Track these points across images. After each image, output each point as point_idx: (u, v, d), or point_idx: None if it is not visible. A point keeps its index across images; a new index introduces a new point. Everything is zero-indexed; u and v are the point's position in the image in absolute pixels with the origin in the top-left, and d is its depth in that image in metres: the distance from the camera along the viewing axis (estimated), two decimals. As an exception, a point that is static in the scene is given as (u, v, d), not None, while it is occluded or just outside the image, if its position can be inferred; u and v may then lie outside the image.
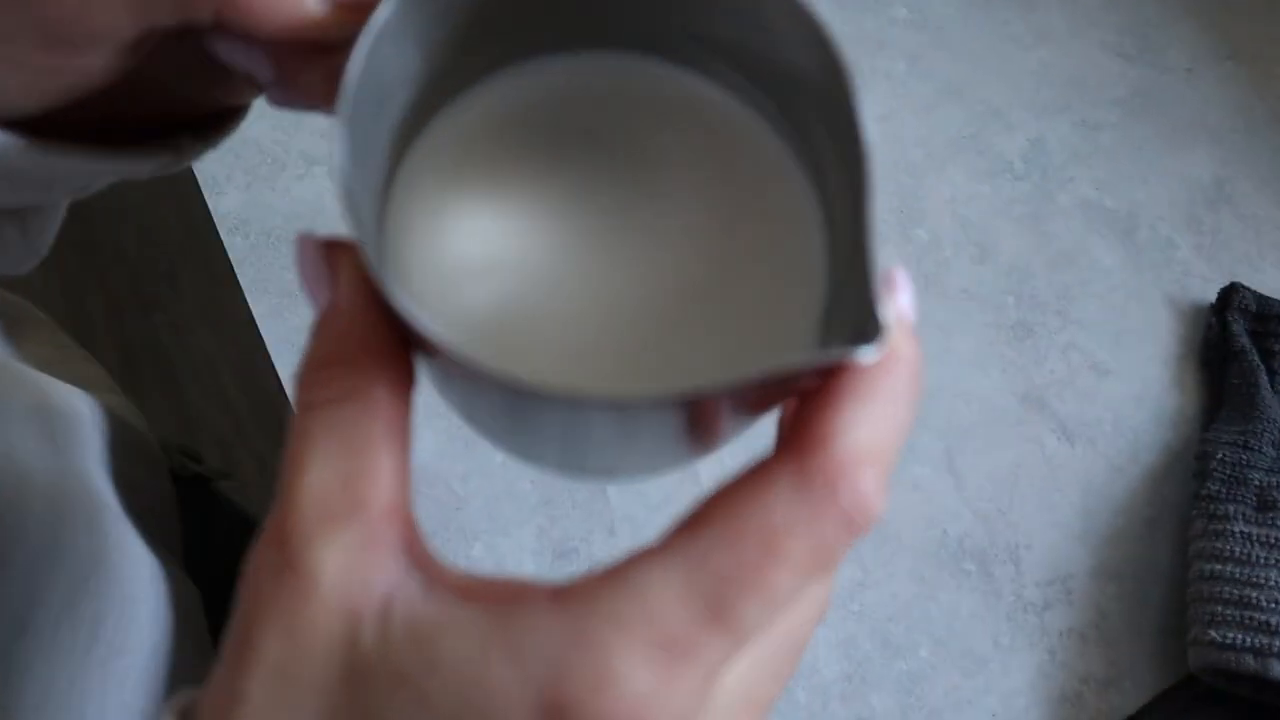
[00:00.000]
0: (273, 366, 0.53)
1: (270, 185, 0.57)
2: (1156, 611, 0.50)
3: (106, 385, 0.59)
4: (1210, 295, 0.56)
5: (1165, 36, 0.64)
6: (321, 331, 0.23)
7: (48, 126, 0.28)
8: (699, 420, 0.23)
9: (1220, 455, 0.51)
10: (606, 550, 0.50)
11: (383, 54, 0.23)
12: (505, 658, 0.19)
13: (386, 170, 0.27)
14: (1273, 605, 0.46)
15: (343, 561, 0.20)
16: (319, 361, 0.22)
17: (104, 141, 0.30)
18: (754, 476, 0.21)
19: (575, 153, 0.29)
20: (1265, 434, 0.51)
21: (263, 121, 0.59)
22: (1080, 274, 0.57)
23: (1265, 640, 0.45)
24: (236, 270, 0.55)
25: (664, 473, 0.29)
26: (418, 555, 0.21)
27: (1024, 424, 0.53)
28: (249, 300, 0.55)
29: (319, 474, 0.21)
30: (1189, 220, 0.59)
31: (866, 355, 0.20)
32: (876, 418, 0.21)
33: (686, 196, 0.28)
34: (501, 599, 0.20)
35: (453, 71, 0.27)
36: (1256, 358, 0.54)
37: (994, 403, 0.54)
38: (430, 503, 0.51)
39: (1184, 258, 0.58)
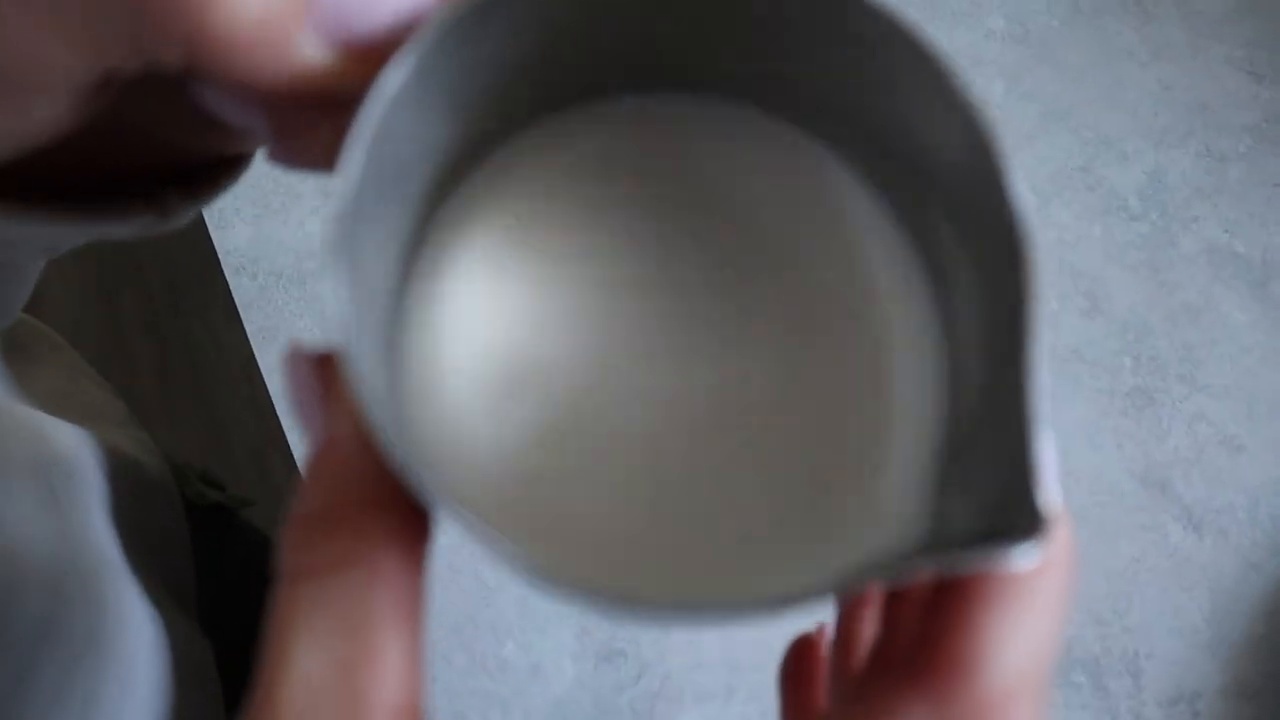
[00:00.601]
0: (281, 426, 0.48)
1: (283, 220, 0.51)
2: None
3: (118, 418, 0.57)
4: (1360, 358, 0.50)
5: (1303, 53, 0.57)
6: (314, 476, 0.19)
7: (7, 181, 0.24)
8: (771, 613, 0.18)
9: (1381, 556, 0.44)
10: (658, 652, 0.44)
11: (396, 127, 0.19)
12: None
13: (403, 259, 0.22)
14: None
15: None
16: (311, 516, 0.19)
17: (78, 196, 0.25)
18: (878, 685, 0.18)
19: (635, 229, 0.24)
20: None
21: (276, 146, 0.53)
22: (1208, 332, 0.51)
23: None
24: (242, 315, 0.49)
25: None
26: None
27: (1143, 510, 0.47)
28: (255, 350, 0.49)
29: (309, 662, 0.18)
30: None
31: (1023, 559, 0.16)
32: (1029, 632, 0.18)
33: (770, 290, 0.23)
34: None
35: (483, 130, 0.23)
36: None
37: (1108, 484, 0.48)
38: (456, 594, 0.45)
39: None
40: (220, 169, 0.29)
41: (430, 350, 0.23)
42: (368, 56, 0.20)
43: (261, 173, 0.53)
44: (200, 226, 0.51)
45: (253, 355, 0.51)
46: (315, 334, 0.50)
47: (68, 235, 0.26)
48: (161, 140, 0.27)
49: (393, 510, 0.19)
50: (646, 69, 0.23)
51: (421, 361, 0.23)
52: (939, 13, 0.56)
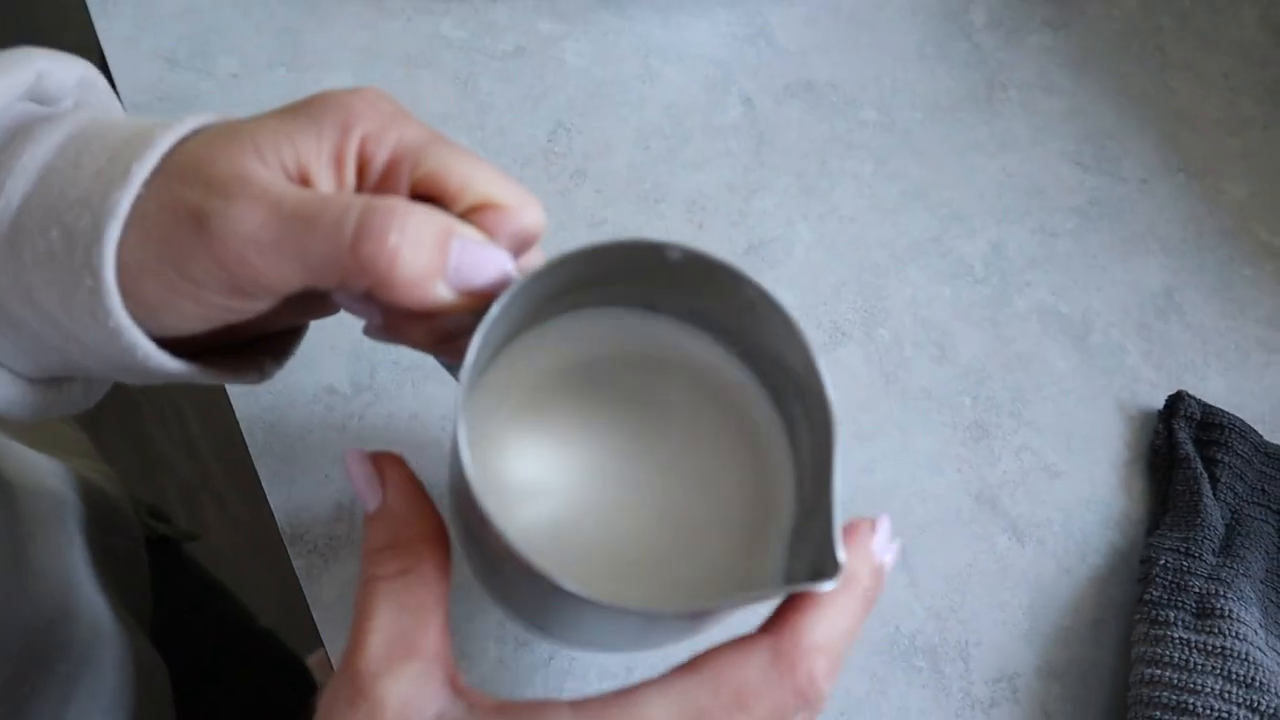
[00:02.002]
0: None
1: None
2: (1098, 712, 0.52)
3: (82, 449, 0.60)
4: (1158, 402, 0.59)
5: (1121, 148, 0.67)
6: (378, 524, 0.30)
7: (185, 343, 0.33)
8: (696, 621, 0.31)
9: (1162, 561, 0.53)
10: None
11: (486, 340, 0.31)
12: None
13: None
14: (1208, 711, 0.48)
15: (404, 691, 0.27)
16: (380, 546, 0.30)
17: (212, 355, 0.35)
18: (742, 643, 0.29)
19: (603, 400, 0.36)
20: (1206, 541, 0.53)
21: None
22: (1035, 377, 0.59)
23: (1200, 748, 0.47)
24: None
25: (642, 651, 0.36)
26: (460, 688, 0.29)
27: (977, 523, 0.55)
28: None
29: (384, 628, 0.28)
30: (1139, 327, 0.61)
31: (826, 586, 0.28)
32: (834, 622, 0.29)
33: (689, 440, 0.36)
34: (530, 712, 0.28)
35: (509, 329, 0.34)
36: (1199, 465, 0.56)
37: (949, 502, 0.55)
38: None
39: (1133, 364, 0.60)
40: (290, 335, 0.39)
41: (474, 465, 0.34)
42: (473, 295, 0.30)
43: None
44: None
45: (185, 398, 0.57)
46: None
47: (193, 378, 0.35)
48: (277, 318, 0.35)
49: (431, 542, 0.30)
50: (605, 297, 0.36)
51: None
52: (822, 103, 0.65)
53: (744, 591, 0.32)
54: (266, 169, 0.28)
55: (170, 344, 0.31)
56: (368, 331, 0.36)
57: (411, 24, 0.65)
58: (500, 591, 0.34)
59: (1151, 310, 0.62)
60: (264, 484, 0.54)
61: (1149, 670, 0.50)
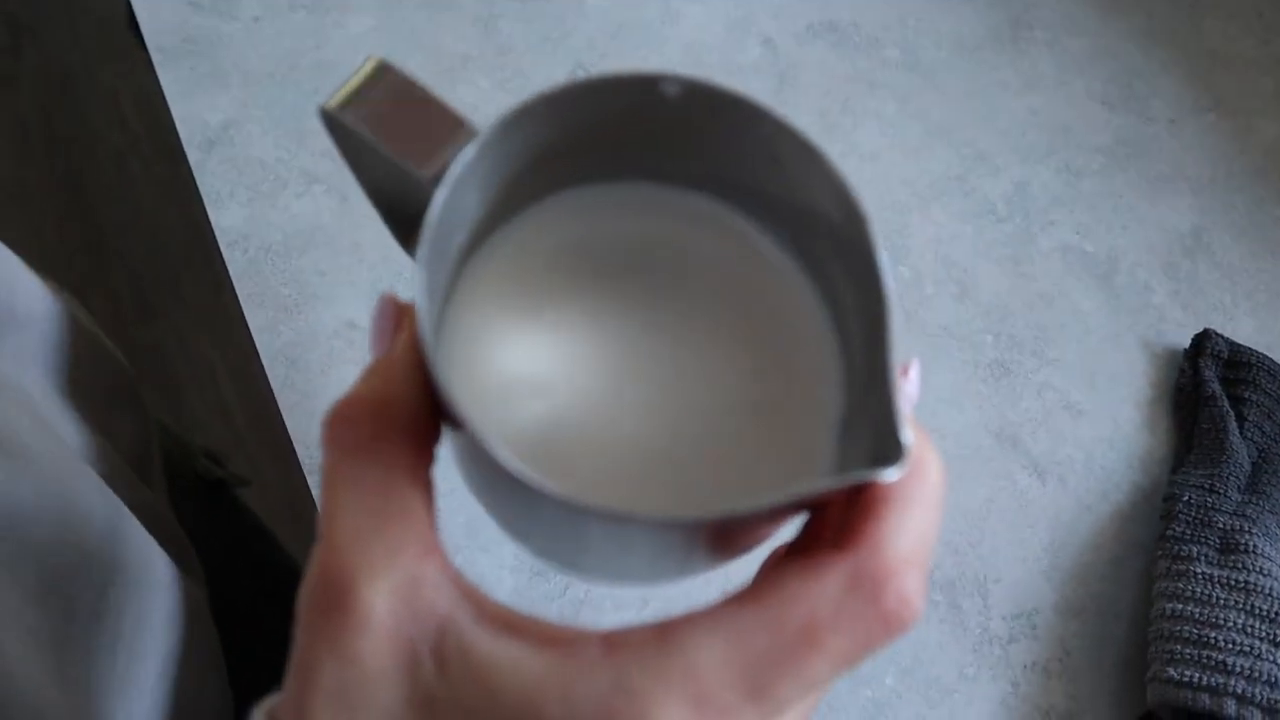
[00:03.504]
0: (266, 376, 0.55)
1: (271, 202, 0.59)
2: (1118, 648, 0.51)
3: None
4: (1184, 341, 0.58)
5: (1149, 87, 0.66)
6: (369, 374, 0.24)
7: None
8: (729, 535, 0.25)
9: (1186, 498, 0.52)
10: (584, 569, 0.51)
11: (450, 203, 0.25)
12: (560, 698, 0.21)
13: (445, 291, 0.29)
14: (1230, 645, 0.47)
15: (390, 599, 0.21)
16: (357, 399, 0.24)
17: None
18: (806, 564, 0.22)
19: (615, 277, 0.31)
20: (1231, 478, 0.52)
21: (266, 139, 0.61)
22: (1058, 316, 0.58)
23: (1221, 680, 0.46)
24: (235, 284, 0.57)
25: (674, 582, 0.31)
26: (464, 589, 0.22)
27: (997, 460, 0.54)
28: (245, 312, 0.56)
29: (357, 516, 0.22)
30: (1166, 267, 0.60)
31: (893, 474, 0.22)
32: (917, 523, 0.23)
33: (715, 320, 0.30)
34: (555, 641, 0.22)
35: (505, 202, 0.29)
36: (1226, 404, 0.55)
37: (969, 439, 0.55)
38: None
39: (1160, 304, 0.59)
40: None
41: (459, 364, 0.28)
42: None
43: (254, 162, 0.60)
44: (199, 207, 0.58)
45: (220, 361, 0.57)
46: (297, 300, 0.57)
47: None
48: None
49: (418, 407, 0.24)
50: (614, 164, 0.30)
51: (451, 371, 0.28)
52: (844, 42, 0.65)
53: (781, 489, 0.24)
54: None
55: None
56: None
57: (431, -34, 0.65)
58: (500, 515, 0.30)
59: (1179, 250, 0.61)
60: (284, 418, 0.54)
61: (1170, 605, 0.49)
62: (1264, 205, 0.63)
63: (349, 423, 0.23)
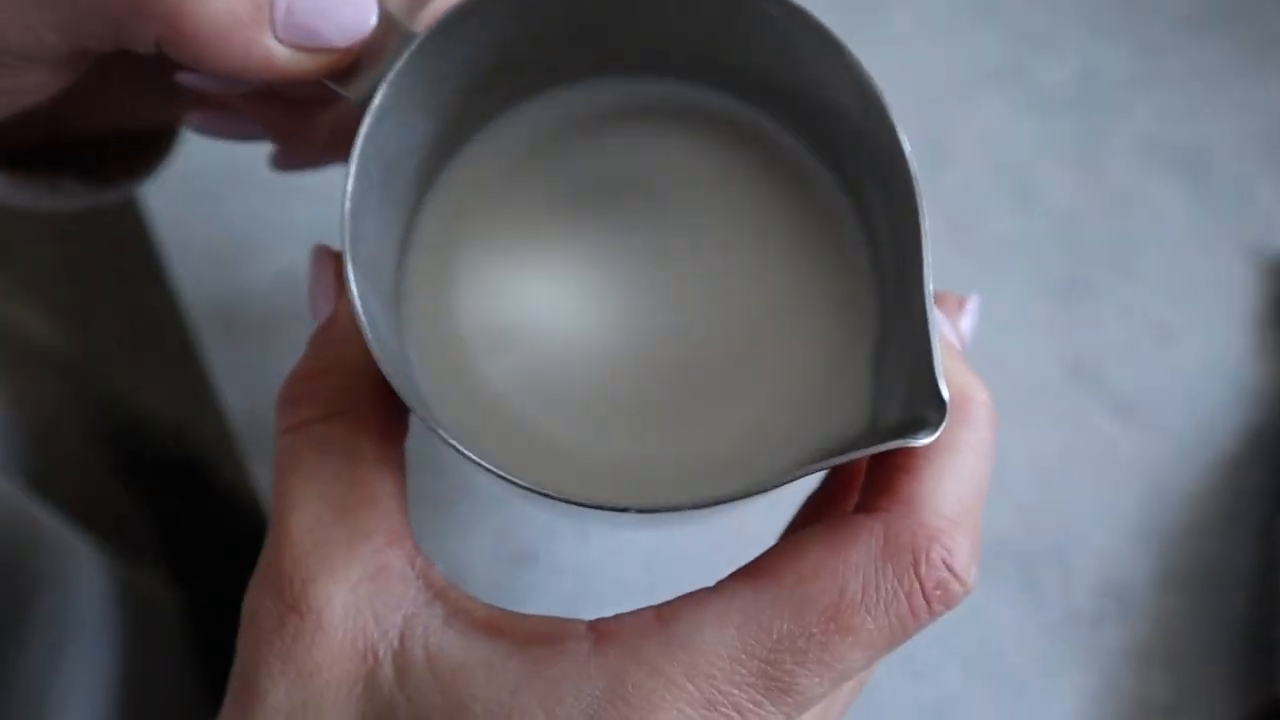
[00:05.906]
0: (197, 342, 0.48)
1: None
2: (1231, 625, 0.44)
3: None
4: (1297, 245, 0.50)
5: (1242, -60, 0.56)
6: (315, 343, 0.23)
7: None
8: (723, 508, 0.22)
9: (1312, 437, 0.44)
10: (575, 558, 0.43)
11: (383, 131, 0.23)
12: (540, 705, 0.19)
13: (401, 233, 0.26)
14: (1380, 621, 0.39)
15: (349, 598, 0.20)
16: (307, 373, 0.22)
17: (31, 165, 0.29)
18: (831, 530, 0.20)
19: (601, 190, 0.28)
20: (1367, 411, 0.44)
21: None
22: (1140, 221, 0.50)
23: (1373, 667, 0.38)
24: (157, 226, 0.49)
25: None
26: (434, 584, 0.21)
27: (1071, 400, 0.47)
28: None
29: (313, 503, 0.21)
30: (1271, 158, 0.52)
31: (931, 438, 0.19)
32: (963, 476, 0.20)
33: (724, 231, 0.27)
34: (536, 639, 0.20)
35: (463, 118, 0.27)
36: (1355, 319, 0.46)
37: (1036, 375, 0.47)
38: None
39: (1265, 202, 0.51)
40: (151, 150, 0.32)
41: (429, 315, 0.26)
42: (329, 53, 0.22)
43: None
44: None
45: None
46: (225, 245, 0.49)
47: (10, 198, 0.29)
48: (116, 113, 0.29)
49: (380, 376, 0.21)
50: (596, 59, 0.27)
51: (420, 323, 0.26)
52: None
53: (778, 474, 0.21)
54: None
55: None
56: (274, 164, 0.31)
57: None
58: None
59: (1286, 136, 0.52)
60: (220, 393, 0.48)
61: (1299, 571, 0.41)
62: (1387, 76, 0.53)
63: (298, 403, 0.22)
